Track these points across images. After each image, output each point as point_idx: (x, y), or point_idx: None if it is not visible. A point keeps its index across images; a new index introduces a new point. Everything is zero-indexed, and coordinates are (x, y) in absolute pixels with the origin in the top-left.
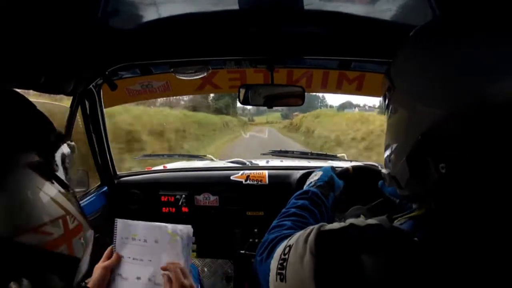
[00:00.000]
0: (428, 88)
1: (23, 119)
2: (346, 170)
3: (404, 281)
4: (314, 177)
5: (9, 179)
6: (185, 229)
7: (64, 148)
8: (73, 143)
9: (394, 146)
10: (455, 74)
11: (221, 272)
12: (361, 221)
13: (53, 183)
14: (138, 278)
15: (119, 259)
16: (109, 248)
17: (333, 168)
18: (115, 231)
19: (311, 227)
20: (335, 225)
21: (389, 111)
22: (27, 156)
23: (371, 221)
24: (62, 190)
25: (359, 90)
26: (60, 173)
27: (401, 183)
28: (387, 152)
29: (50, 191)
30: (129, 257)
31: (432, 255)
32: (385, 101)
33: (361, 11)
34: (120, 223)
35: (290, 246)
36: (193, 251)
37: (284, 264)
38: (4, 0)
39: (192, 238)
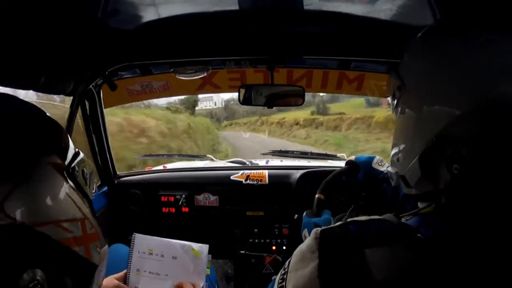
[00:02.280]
0: (442, 88)
1: (42, 123)
2: (318, 202)
3: (409, 275)
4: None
5: (36, 173)
6: (205, 247)
7: (80, 159)
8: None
9: (403, 146)
10: (471, 74)
11: (221, 272)
12: (363, 217)
13: (73, 187)
14: None
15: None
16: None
17: (310, 221)
18: (132, 244)
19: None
20: (335, 224)
21: (398, 110)
22: (50, 157)
23: (375, 217)
24: (82, 196)
25: (359, 90)
26: (81, 181)
27: (411, 183)
28: (395, 151)
29: (71, 193)
30: (145, 271)
31: (440, 252)
32: (393, 100)
33: (361, 11)
34: (138, 237)
35: (289, 261)
36: (207, 267)
37: (285, 276)
38: (4, 0)
39: (209, 256)
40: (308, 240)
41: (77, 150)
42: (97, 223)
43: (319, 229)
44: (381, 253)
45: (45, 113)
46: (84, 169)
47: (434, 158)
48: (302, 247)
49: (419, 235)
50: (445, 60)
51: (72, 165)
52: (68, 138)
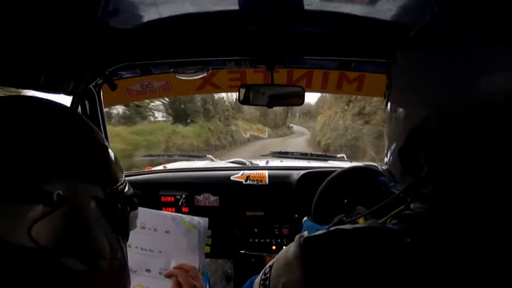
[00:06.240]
0: (419, 86)
1: (91, 148)
2: None
3: (396, 284)
4: None
5: (75, 202)
6: (202, 221)
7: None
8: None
9: (390, 142)
10: (443, 73)
11: (221, 272)
12: (349, 226)
13: (111, 225)
14: (148, 270)
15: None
16: None
17: (315, 225)
18: None
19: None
20: (319, 232)
21: (387, 108)
22: (91, 188)
23: (360, 225)
24: (116, 235)
25: (359, 90)
26: (120, 220)
27: (396, 177)
28: (386, 149)
29: (106, 230)
30: (137, 247)
31: (424, 256)
32: (384, 99)
33: (361, 11)
34: None
35: (271, 266)
36: (207, 244)
37: (267, 282)
38: (4, 0)
39: (208, 232)
40: (293, 247)
41: (125, 183)
42: (125, 261)
43: (304, 236)
44: (365, 262)
45: (96, 137)
46: (128, 208)
47: (412, 151)
48: (286, 253)
49: (408, 240)
50: (420, 59)
51: (114, 199)
52: (117, 170)
